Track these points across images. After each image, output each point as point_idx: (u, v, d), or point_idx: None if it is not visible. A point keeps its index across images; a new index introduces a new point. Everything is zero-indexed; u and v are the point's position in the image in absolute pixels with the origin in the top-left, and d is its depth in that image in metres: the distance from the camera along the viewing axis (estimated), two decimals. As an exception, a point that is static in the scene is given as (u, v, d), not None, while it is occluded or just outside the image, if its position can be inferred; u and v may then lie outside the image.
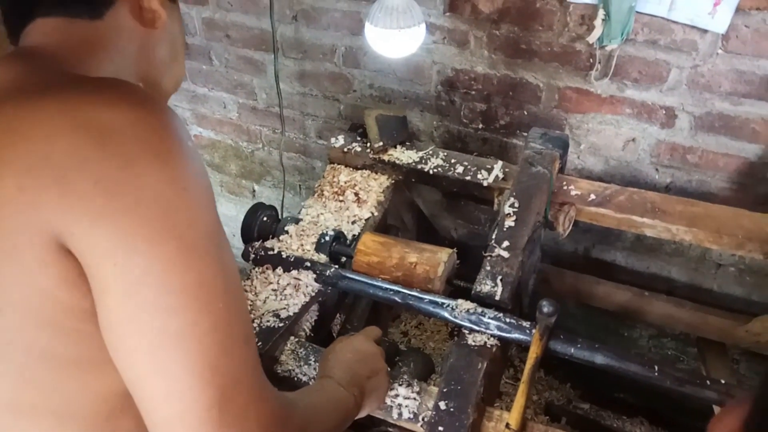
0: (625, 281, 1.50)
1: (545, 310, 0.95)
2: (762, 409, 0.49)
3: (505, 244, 1.12)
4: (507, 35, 1.40)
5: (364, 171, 1.37)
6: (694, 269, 1.58)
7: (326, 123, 1.79)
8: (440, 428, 0.92)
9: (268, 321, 1.05)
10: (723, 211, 1.21)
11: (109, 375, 0.58)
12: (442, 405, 0.94)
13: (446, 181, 1.32)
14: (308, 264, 1.14)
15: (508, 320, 1.02)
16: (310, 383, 1.00)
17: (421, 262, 1.13)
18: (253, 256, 1.18)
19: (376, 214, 1.29)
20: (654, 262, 1.61)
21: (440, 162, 1.33)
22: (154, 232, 0.52)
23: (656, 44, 1.28)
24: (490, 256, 1.11)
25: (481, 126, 1.59)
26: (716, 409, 1.13)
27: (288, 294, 1.11)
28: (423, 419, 0.95)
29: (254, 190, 2.12)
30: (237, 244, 1.19)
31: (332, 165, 1.40)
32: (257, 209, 1.24)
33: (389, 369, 0.96)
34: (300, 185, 2.01)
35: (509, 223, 1.16)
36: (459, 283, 1.15)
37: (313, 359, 1.03)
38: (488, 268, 1.09)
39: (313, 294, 1.12)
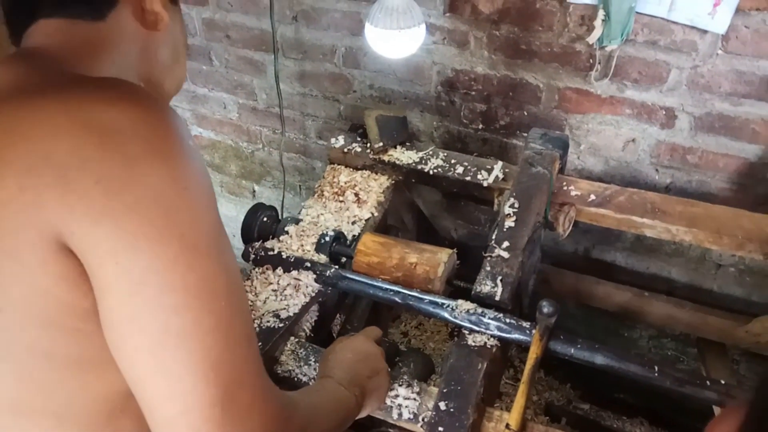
0: (625, 282, 1.51)
1: (545, 310, 0.95)
2: (757, 416, 0.49)
3: (505, 244, 1.12)
4: (507, 36, 1.40)
5: (364, 171, 1.37)
6: (694, 270, 1.58)
7: (326, 123, 1.79)
8: (440, 428, 0.92)
9: (268, 321, 1.05)
10: (723, 211, 1.21)
11: (109, 375, 0.58)
12: (442, 405, 0.94)
13: (446, 182, 1.32)
14: (308, 264, 1.14)
15: (508, 321, 1.02)
16: (310, 384, 1.00)
17: (421, 262, 1.13)
18: (253, 256, 1.18)
19: (376, 214, 1.29)
20: (654, 263, 1.61)
21: (440, 162, 1.33)
22: (156, 231, 0.52)
23: (656, 45, 1.28)
24: (490, 256, 1.11)
25: (481, 126, 1.59)
26: (716, 409, 1.13)
27: (288, 294, 1.11)
28: (423, 419, 0.95)
29: (254, 191, 2.12)
30: (237, 244, 1.19)
31: (332, 165, 1.40)
32: (257, 210, 1.24)
33: (389, 369, 0.96)
34: (300, 186, 2.01)
35: (509, 223, 1.16)
36: (459, 284, 1.16)
37: (313, 360, 1.03)
38: (488, 268, 1.09)
39: (313, 294, 1.12)
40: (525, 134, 1.49)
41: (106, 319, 0.54)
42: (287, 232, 1.22)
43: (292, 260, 1.15)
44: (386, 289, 1.10)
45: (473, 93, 1.53)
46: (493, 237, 1.14)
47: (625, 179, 1.51)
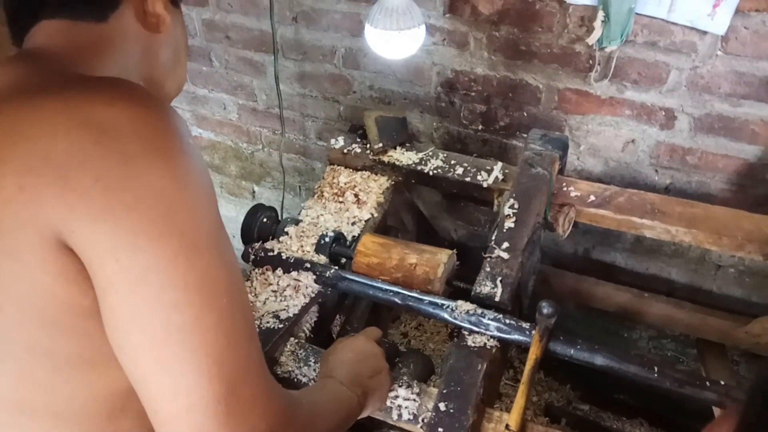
0: (624, 282, 1.51)
1: (545, 311, 0.95)
2: (749, 423, 0.49)
3: (505, 245, 1.12)
4: (507, 37, 1.41)
5: (363, 172, 1.37)
6: (693, 270, 1.58)
7: (326, 124, 1.79)
8: (440, 429, 0.92)
9: (267, 322, 1.05)
10: (722, 212, 1.21)
11: (110, 373, 0.58)
12: (442, 406, 0.94)
13: (446, 183, 1.32)
14: (308, 265, 1.14)
15: (507, 321, 1.02)
16: (310, 384, 1.00)
17: (420, 263, 1.13)
18: (252, 257, 1.18)
19: (375, 215, 1.29)
20: (654, 264, 1.61)
21: (440, 163, 1.33)
22: (156, 229, 0.52)
23: (656, 46, 1.28)
24: (490, 257, 1.11)
25: (480, 127, 1.59)
26: (716, 410, 1.13)
27: (288, 295, 1.11)
28: (423, 420, 0.95)
29: (254, 191, 2.12)
30: (237, 245, 1.18)
31: (332, 166, 1.40)
32: (257, 210, 1.24)
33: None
34: (300, 186, 2.01)
35: (509, 224, 1.16)
36: (459, 285, 1.15)
37: (313, 360, 1.03)
38: (488, 269, 1.09)
39: (313, 295, 1.12)
40: (525, 135, 1.49)
41: (108, 317, 0.54)
42: (287, 233, 1.22)
43: (292, 261, 1.15)
44: (386, 289, 1.10)
45: (473, 94, 1.53)
46: (493, 238, 1.14)
47: (625, 180, 1.51)
